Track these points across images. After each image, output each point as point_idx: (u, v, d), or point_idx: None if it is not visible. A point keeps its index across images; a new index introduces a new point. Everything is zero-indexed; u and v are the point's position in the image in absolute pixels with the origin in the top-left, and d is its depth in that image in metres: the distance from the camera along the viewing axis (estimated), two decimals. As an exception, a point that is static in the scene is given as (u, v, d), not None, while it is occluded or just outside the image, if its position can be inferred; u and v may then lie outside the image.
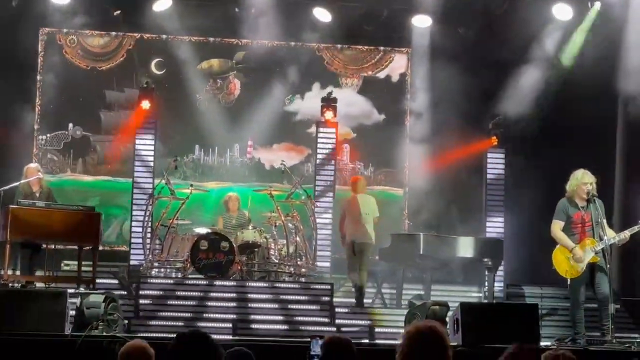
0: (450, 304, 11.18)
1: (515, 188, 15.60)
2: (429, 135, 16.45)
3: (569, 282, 11.42)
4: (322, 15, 16.15)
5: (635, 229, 11.33)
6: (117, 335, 10.08)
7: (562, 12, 15.54)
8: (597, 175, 11.49)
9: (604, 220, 11.25)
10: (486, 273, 13.78)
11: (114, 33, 16.93)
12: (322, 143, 15.91)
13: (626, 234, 11.31)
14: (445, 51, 15.90)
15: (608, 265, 11.14)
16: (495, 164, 15.80)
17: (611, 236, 11.21)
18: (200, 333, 5.32)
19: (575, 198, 11.36)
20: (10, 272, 12.04)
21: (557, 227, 11.38)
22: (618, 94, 14.69)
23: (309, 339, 8.69)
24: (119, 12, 16.20)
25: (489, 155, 15.81)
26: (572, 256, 11.20)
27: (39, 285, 12.28)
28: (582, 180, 11.30)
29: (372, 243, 13.77)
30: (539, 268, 14.51)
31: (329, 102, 15.81)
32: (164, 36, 16.76)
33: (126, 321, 11.45)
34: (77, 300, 10.67)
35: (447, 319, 10.53)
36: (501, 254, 13.97)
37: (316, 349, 7.38)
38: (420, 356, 4.83)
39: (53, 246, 12.71)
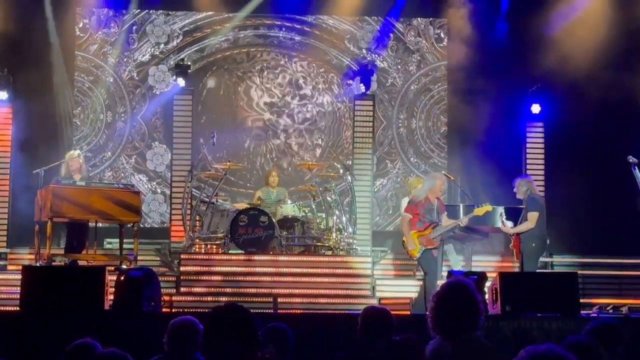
0: (489, 275, 11.12)
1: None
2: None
3: None
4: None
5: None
6: None
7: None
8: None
9: None
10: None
11: None
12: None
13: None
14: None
15: None
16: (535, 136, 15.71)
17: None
18: (237, 306, 5.34)
19: None
20: (52, 250, 12.19)
21: None
22: None
23: (349, 312, 8.71)
24: None
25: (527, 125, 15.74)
26: None
27: (82, 262, 12.46)
28: None
29: None
30: (580, 237, 14.48)
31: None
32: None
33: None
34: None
35: (486, 289, 10.48)
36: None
37: None
38: (449, 309, 4.73)
39: (95, 224, 12.86)
